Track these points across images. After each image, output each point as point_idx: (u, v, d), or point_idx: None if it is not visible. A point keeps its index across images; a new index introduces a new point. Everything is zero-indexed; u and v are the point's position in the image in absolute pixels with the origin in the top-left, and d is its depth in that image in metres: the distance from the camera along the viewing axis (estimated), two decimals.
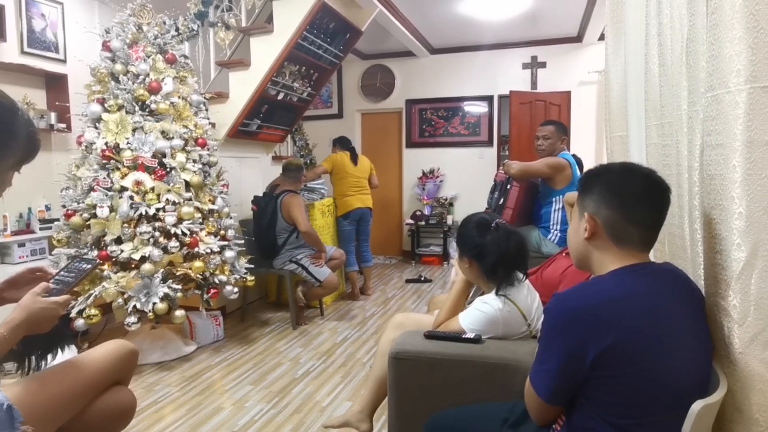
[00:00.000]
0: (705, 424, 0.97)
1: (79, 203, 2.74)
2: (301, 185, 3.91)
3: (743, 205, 0.99)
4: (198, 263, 2.79)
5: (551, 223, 3.08)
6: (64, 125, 3.39)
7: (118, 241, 2.70)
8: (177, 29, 3.15)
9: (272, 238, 3.64)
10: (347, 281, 4.46)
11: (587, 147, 5.37)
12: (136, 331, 2.73)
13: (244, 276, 3.12)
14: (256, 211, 3.76)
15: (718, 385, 0.99)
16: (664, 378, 0.94)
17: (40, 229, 3.18)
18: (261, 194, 3.86)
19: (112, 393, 1.30)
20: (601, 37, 5.10)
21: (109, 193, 2.71)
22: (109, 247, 2.67)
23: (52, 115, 3.34)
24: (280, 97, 4.00)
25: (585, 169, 3.03)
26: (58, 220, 2.92)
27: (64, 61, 3.56)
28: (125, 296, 2.63)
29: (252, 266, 3.24)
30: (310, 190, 4.37)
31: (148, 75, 2.88)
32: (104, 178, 2.72)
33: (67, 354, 1.31)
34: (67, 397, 1.16)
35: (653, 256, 1.22)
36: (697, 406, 0.92)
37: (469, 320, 1.62)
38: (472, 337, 1.57)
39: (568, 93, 5.55)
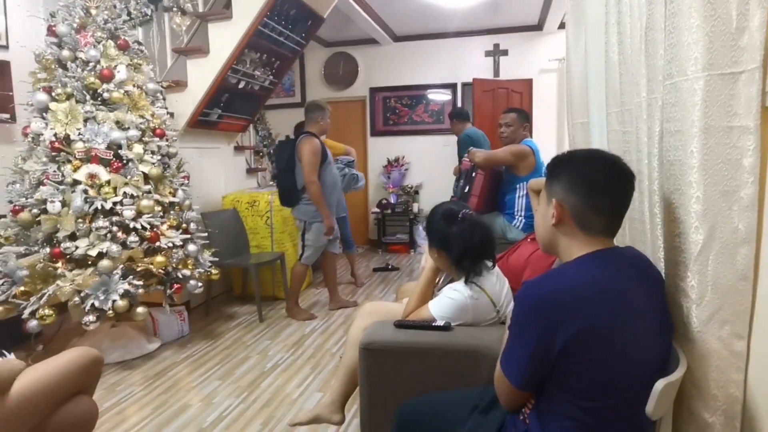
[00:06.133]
0: (667, 401, 1.01)
1: (27, 198, 2.61)
2: (323, 127, 3.52)
3: (701, 190, 1.02)
4: (160, 258, 2.70)
5: (516, 209, 3.14)
6: (7, 116, 3.19)
7: (72, 237, 2.58)
8: (129, 14, 3.01)
9: (290, 182, 3.41)
10: (315, 271, 4.42)
11: (549, 134, 5.48)
12: (95, 330, 2.62)
13: (209, 270, 3.05)
14: (276, 153, 3.54)
15: (678, 364, 1.03)
16: (629, 360, 0.97)
17: None
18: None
19: (74, 403, 1.24)
20: (562, 26, 5.20)
21: (61, 187, 2.58)
22: (62, 244, 2.55)
23: None
24: (241, 85, 3.88)
25: (541, 156, 3.09)
26: (4, 216, 2.76)
27: (6, 47, 3.34)
28: (82, 294, 2.52)
29: (216, 259, 3.16)
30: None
31: (99, 62, 2.75)
32: (54, 171, 2.59)
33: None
34: (28, 407, 1.10)
35: (615, 240, 1.25)
36: (660, 384, 0.95)
37: (439, 308, 1.63)
38: (441, 324, 1.58)
39: (530, 81, 5.64)
